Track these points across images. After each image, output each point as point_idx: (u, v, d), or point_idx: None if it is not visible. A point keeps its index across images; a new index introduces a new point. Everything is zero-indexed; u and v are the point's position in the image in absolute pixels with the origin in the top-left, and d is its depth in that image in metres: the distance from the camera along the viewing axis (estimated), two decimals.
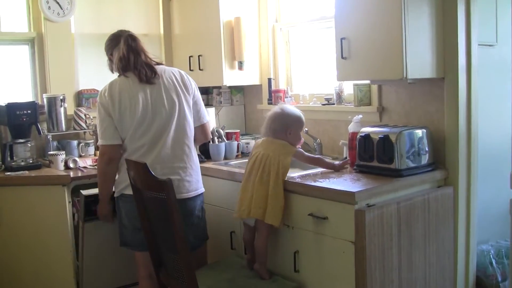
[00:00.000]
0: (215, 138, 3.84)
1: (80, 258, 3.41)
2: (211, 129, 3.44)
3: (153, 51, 4.57)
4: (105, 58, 4.46)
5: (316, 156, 3.07)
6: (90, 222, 3.33)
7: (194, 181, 3.09)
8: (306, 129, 3.78)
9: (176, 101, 3.03)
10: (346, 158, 3.30)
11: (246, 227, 3.03)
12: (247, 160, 3.13)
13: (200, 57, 4.32)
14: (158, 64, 3.14)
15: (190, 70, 4.40)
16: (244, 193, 2.98)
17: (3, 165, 3.69)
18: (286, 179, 2.92)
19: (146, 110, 2.97)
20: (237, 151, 3.92)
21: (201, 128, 3.20)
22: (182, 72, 3.18)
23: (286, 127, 3.00)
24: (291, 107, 3.11)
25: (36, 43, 4.10)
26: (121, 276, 3.59)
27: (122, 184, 3.02)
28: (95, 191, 3.26)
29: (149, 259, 2.96)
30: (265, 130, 3.06)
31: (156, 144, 2.99)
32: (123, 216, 3.06)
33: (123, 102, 2.96)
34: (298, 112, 3.07)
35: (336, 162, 3.17)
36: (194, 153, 3.14)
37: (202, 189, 3.16)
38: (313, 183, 2.83)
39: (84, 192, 3.28)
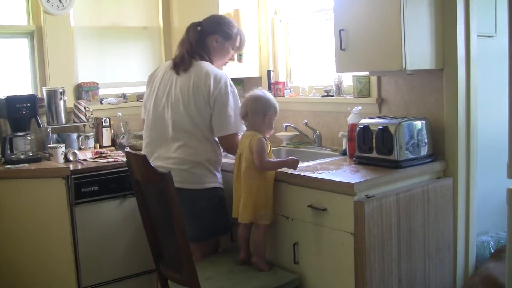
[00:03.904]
0: None
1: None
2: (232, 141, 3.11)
3: (152, 44, 4.64)
4: (104, 51, 4.50)
5: (273, 160, 3.00)
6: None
7: (199, 173, 3.03)
8: (306, 120, 3.80)
9: (185, 98, 3.02)
10: (345, 149, 3.31)
11: (242, 223, 3.01)
12: None
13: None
14: (202, 60, 3.13)
15: None
16: (236, 194, 2.98)
17: (3, 158, 3.69)
18: (286, 171, 2.92)
19: (162, 96, 3.10)
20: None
21: (220, 140, 3.10)
22: (212, 76, 3.03)
23: (266, 110, 2.96)
24: (270, 94, 3.08)
25: (35, 36, 4.09)
26: (119, 268, 3.65)
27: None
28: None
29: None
30: (245, 109, 2.98)
31: (165, 135, 3.06)
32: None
33: (154, 82, 3.20)
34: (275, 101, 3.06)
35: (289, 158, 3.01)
36: (208, 147, 3.07)
37: (212, 184, 3.07)
38: (312, 175, 2.83)
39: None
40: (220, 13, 4.03)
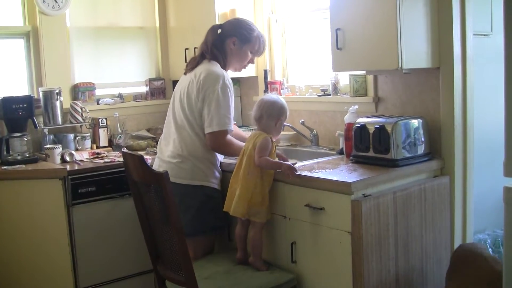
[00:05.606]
0: None
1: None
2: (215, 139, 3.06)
3: (149, 44, 4.64)
4: (100, 51, 4.50)
5: (274, 160, 2.96)
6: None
7: (187, 169, 3.09)
8: (302, 120, 3.80)
9: (182, 94, 3.14)
10: (342, 148, 3.32)
11: (239, 222, 3.02)
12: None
13: (195, 49, 4.29)
14: (213, 60, 3.16)
15: (186, 62, 4.38)
16: (231, 189, 2.99)
17: None
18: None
19: (173, 95, 3.26)
20: None
21: (207, 138, 3.06)
22: (207, 73, 3.07)
23: (279, 116, 2.99)
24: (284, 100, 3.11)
25: (31, 37, 4.08)
26: (116, 269, 3.66)
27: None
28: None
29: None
30: (260, 112, 2.99)
31: (169, 130, 3.20)
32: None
33: None
34: None
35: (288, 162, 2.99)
36: (197, 143, 3.09)
37: (199, 182, 3.10)
38: (309, 174, 2.83)
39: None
40: (216, 13, 4.05)
